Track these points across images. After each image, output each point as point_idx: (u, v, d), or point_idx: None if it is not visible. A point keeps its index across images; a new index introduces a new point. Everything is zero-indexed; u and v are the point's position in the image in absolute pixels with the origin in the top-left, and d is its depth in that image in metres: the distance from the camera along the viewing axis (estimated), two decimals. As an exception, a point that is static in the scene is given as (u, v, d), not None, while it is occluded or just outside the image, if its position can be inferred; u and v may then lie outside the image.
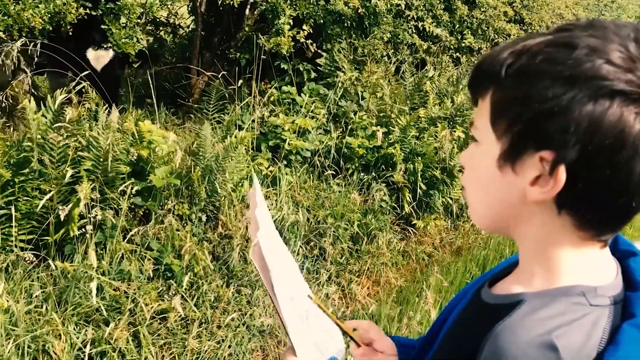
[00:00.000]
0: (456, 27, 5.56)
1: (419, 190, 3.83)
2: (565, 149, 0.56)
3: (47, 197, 2.41)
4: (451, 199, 4.01)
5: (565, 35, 0.58)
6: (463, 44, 5.56)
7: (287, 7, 4.12)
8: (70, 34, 3.30)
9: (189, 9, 5.13)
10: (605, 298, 0.59)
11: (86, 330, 2.28)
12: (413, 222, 3.84)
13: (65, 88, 2.82)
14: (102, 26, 3.35)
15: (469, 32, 5.62)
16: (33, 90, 3.67)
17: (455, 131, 4.13)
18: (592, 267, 0.62)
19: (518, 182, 0.61)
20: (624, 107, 0.54)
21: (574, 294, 0.59)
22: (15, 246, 2.41)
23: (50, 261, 2.45)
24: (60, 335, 2.24)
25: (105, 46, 3.40)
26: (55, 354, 2.17)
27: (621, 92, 0.53)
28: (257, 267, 1.01)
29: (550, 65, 0.56)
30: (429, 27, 5.09)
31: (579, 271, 0.61)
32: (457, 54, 5.62)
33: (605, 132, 0.54)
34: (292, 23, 4.15)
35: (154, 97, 3.69)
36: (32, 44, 2.99)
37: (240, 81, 4.03)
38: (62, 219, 2.39)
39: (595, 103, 0.54)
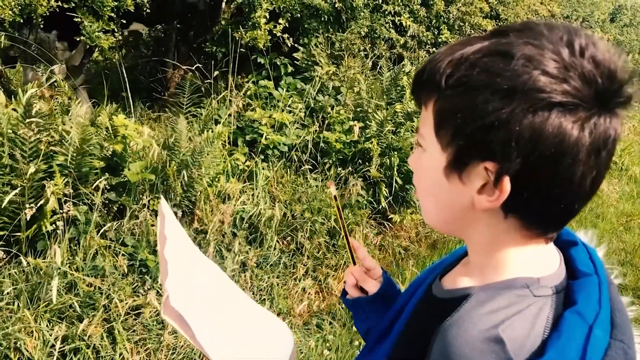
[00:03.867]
0: (433, 22, 5.60)
1: (395, 184, 3.87)
2: (509, 161, 0.57)
3: (14, 192, 2.37)
4: (427, 193, 4.04)
5: (502, 43, 0.58)
6: (440, 39, 5.60)
7: (263, 0, 4.11)
8: (42, 26, 3.24)
9: (165, 1, 5.07)
10: (547, 288, 0.61)
11: (59, 327, 2.26)
12: (389, 217, 3.87)
13: (37, 81, 2.77)
14: (75, 19, 3.29)
15: (446, 27, 5.66)
16: (5, 83, 3.60)
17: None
18: (536, 260, 0.64)
19: (465, 190, 0.63)
20: (562, 118, 0.55)
21: (517, 286, 0.61)
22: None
23: (22, 257, 2.41)
24: (32, 332, 2.22)
25: (77, 39, 3.34)
26: (27, 351, 2.15)
27: (558, 103, 0.55)
28: (173, 324, 0.91)
29: (488, 77, 0.57)
30: (406, 22, 5.12)
31: (523, 265, 0.63)
32: (434, 49, 5.66)
33: (546, 143, 0.55)
34: (268, 17, 4.13)
35: (128, 90, 3.64)
36: (2, 35, 2.93)
37: (216, 72, 4.00)
38: (27, 218, 2.35)
39: (534, 115, 0.55)
